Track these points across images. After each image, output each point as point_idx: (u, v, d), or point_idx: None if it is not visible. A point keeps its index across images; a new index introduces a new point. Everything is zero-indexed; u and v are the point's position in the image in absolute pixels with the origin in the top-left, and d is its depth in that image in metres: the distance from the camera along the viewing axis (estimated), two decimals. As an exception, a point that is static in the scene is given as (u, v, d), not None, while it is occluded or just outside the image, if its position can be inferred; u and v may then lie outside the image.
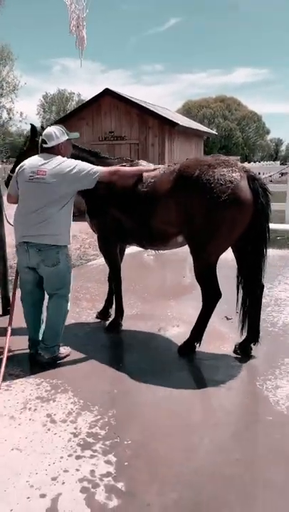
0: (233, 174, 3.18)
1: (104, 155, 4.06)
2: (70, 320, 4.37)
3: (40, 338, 3.56)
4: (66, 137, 3.44)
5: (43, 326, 3.57)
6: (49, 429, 2.66)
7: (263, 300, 4.84)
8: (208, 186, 3.15)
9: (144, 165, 3.89)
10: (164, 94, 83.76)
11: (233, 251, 3.54)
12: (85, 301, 5.03)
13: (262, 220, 3.27)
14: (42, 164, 3.29)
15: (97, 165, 3.58)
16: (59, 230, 3.31)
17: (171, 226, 3.48)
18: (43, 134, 3.41)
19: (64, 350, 3.59)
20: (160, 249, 3.98)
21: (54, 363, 3.45)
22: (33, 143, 3.71)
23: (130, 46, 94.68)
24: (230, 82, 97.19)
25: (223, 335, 4.01)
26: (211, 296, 3.49)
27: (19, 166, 3.45)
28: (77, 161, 3.40)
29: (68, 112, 17.59)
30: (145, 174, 3.59)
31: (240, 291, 3.52)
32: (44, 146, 3.39)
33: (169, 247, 3.82)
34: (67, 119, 15.43)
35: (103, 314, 4.46)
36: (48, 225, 3.26)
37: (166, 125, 13.81)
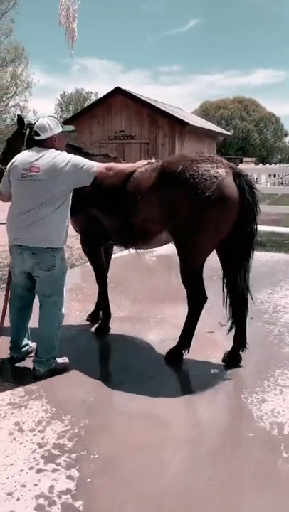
0: (218, 170, 3.01)
1: (87, 151, 3.89)
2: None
3: (22, 344, 3.40)
4: (60, 129, 3.20)
5: (28, 336, 3.43)
6: (15, 439, 2.52)
7: (261, 306, 4.73)
8: (191, 182, 2.98)
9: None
10: (181, 95, 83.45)
11: (218, 253, 3.35)
12: (76, 301, 4.90)
13: (249, 219, 3.09)
14: (35, 160, 3.03)
15: None
16: (55, 231, 3.08)
17: (155, 224, 3.31)
18: (36, 125, 3.15)
19: (61, 360, 3.34)
20: (142, 247, 3.81)
21: (51, 375, 3.22)
22: (19, 135, 3.56)
23: (149, 46, 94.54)
24: (249, 84, 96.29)
25: (214, 342, 3.82)
26: (196, 299, 3.31)
27: (10, 162, 3.22)
28: (71, 154, 3.15)
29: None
30: (127, 171, 3.42)
31: (226, 295, 3.33)
32: (36, 138, 3.12)
33: (152, 245, 3.65)
34: (79, 117, 15.42)
35: (93, 317, 4.31)
36: (42, 226, 3.02)
37: (177, 125, 13.65)
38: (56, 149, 3.15)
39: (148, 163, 3.45)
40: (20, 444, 2.48)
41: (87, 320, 4.32)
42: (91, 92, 55.46)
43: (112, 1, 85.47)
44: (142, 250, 3.92)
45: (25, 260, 3.10)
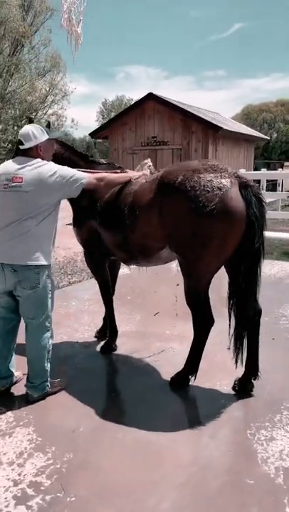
0: (222, 180, 2.71)
1: (94, 159, 3.68)
2: (61, 336, 4.09)
3: (6, 373, 3.12)
4: (46, 137, 2.95)
5: (13, 359, 3.16)
6: (-10, 473, 2.33)
7: (279, 326, 4.33)
8: (192, 194, 2.70)
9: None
10: (226, 100, 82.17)
11: (226, 270, 3.04)
12: (87, 314, 4.71)
13: (256, 233, 2.76)
14: (18, 169, 2.82)
15: (86, 169, 3.22)
16: (38, 246, 2.85)
17: (155, 240, 3.06)
18: (19, 133, 2.94)
19: (57, 383, 3.15)
20: (143, 265, 3.55)
21: (44, 398, 3.03)
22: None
23: (194, 52, 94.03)
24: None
25: (225, 368, 3.46)
26: (202, 322, 3.02)
27: None
28: (58, 165, 2.94)
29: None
30: (121, 182, 3.18)
31: (233, 316, 3.02)
32: (20, 147, 2.92)
33: (154, 262, 3.39)
34: (111, 124, 15.40)
35: (101, 333, 4.10)
36: (25, 241, 2.80)
37: (211, 130, 13.30)
38: (43, 158, 2.93)
39: (144, 174, 3.22)
40: (-5, 479, 2.28)
41: (95, 336, 4.11)
42: (132, 99, 55.92)
43: (160, 10, 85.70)
44: (146, 268, 3.67)
45: (6, 278, 2.87)
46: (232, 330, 3.03)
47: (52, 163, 2.94)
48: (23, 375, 3.14)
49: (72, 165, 3.23)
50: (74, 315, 4.75)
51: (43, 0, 20.28)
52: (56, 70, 21.08)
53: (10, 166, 2.90)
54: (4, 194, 2.83)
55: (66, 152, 3.57)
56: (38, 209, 2.81)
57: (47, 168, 2.85)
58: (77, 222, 3.61)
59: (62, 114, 22.25)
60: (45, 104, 21.08)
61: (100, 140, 16.41)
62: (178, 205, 2.77)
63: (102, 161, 3.83)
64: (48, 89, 21.15)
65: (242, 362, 3.06)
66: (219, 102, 78.45)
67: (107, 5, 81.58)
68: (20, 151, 2.96)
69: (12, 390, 3.14)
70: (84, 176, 2.96)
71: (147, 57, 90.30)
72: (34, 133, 2.91)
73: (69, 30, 3.44)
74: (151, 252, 3.17)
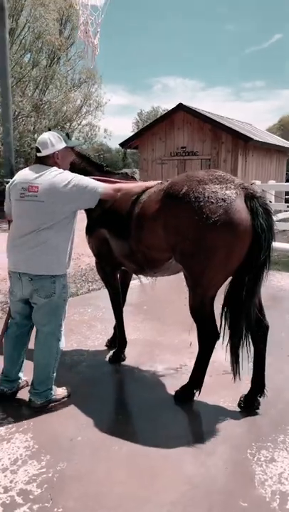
0: (227, 192, 2.65)
1: (108, 169, 3.68)
2: (72, 343, 4.10)
3: (15, 377, 3.15)
4: (64, 144, 2.95)
5: (22, 365, 3.20)
6: (-17, 478, 2.35)
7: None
8: (196, 205, 2.66)
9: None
10: (264, 111, 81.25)
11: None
12: (99, 322, 4.71)
13: (263, 245, 2.68)
14: (34, 178, 2.82)
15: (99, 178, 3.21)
16: (55, 256, 2.86)
17: (160, 251, 3.03)
18: (37, 141, 2.95)
19: (61, 391, 3.13)
20: (151, 275, 3.51)
21: (47, 405, 3.02)
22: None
23: (231, 64, 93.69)
24: None
25: (231, 383, 3.34)
26: (207, 336, 2.95)
27: (11, 181, 3.02)
28: (75, 174, 2.91)
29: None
30: (135, 192, 3.17)
31: (227, 327, 2.91)
32: (38, 155, 2.93)
33: (162, 273, 3.35)
34: (141, 134, 15.52)
35: (111, 343, 4.08)
36: (41, 251, 2.81)
37: (240, 140, 13.17)
38: (59, 166, 2.93)
39: (160, 183, 3.19)
40: (-14, 485, 2.29)
41: (106, 346, 4.10)
42: (166, 110, 56.30)
43: (197, 23, 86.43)
44: (154, 278, 3.63)
45: (23, 286, 2.91)
46: (225, 341, 2.92)
47: (68, 172, 2.93)
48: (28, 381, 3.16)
49: (87, 175, 3.23)
50: (88, 322, 4.77)
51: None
52: (91, 82, 21.48)
53: (27, 174, 2.91)
54: (21, 203, 2.85)
55: (82, 162, 3.59)
56: (55, 219, 2.81)
57: (63, 177, 2.83)
58: (89, 230, 3.62)
59: (96, 124, 22.59)
60: (80, 115, 21.48)
61: (135, 150, 16.57)
62: (182, 217, 2.74)
63: (125, 171, 3.81)
64: (82, 100, 21.58)
65: (240, 376, 2.95)
66: (257, 112, 77.73)
67: (147, 18, 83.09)
68: (37, 159, 2.96)
69: (16, 398, 3.16)
70: (100, 186, 2.94)
71: (184, 68, 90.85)
72: (52, 140, 2.91)
73: (86, 42, 3.50)
74: (158, 263, 3.15)
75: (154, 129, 14.95)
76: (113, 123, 64.44)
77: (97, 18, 3.70)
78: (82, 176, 2.95)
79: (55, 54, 19.01)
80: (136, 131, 56.13)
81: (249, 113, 77.75)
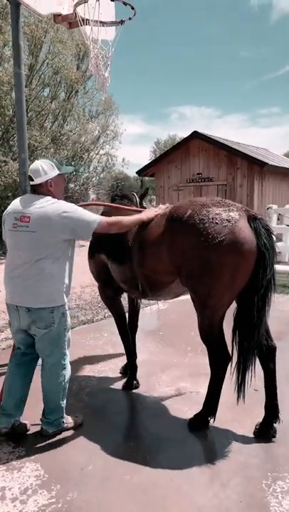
0: (231, 213, 2.70)
1: (121, 201, 3.57)
2: (84, 369, 4.08)
3: (13, 406, 2.98)
4: (56, 172, 2.87)
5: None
6: (-8, 509, 2.32)
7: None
8: (201, 226, 2.69)
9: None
10: (280, 136, 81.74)
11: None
12: (113, 348, 4.67)
13: (268, 264, 2.69)
14: (26, 208, 2.75)
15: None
16: (52, 287, 2.78)
17: (164, 275, 3.04)
18: (29, 169, 2.89)
19: (73, 419, 3.09)
20: (153, 299, 3.50)
21: (59, 433, 2.99)
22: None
23: (246, 91, 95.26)
24: None
25: (247, 409, 3.26)
26: (218, 359, 2.91)
27: (6, 210, 2.91)
28: (69, 204, 2.82)
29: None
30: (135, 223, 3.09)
31: (236, 349, 2.87)
32: (31, 183, 2.86)
33: (164, 296, 3.35)
34: (157, 162, 15.76)
35: (125, 370, 4.04)
36: (38, 283, 2.73)
37: (256, 165, 13.24)
38: (53, 194, 2.86)
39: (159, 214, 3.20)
40: (-4, 515, 2.27)
41: (120, 373, 4.06)
42: (183, 137, 57.16)
43: (211, 52, 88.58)
44: (158, 301, 3.64)
45: (21, 318, 2.83)
46: (234, 363, 2.88)
47: (62, 202, 2.84)
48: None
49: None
50: (101, 347, 4.76)
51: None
52: (108, 112, 22.07)
53: (19, 204, 2.85)
54: (14, 234, 2.79)
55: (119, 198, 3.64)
56: (49, 249, 2.73)
57: (55, 207, 2.74)
58: (90, 254, 3.67)
59: (114, 154, 23.03)
60: (97, 145, 21.98)
61: (152, 178, 16.84)
62: (187, 239, 2.77)
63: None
64: (100, 130, 22.13)
65: (244, 397, 2.88)
66: (273, 138, 78.16)
67: (161, 45, 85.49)
68: (31, 188, 2.92)
69: (27, 423, 3.10)
70: (95, 219, 2.82)
71: (200, 97, 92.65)
72: (44, 168, 2.84)
73: (96, 75, 3.64)
74: (161, 285, 3.15)
75: (170, 157, 15.20)
76: (131, 152, 65.73)
77: (108, 51, 3.86)
78: (77, 207, 2.86)
79: (73, 87, 19.67)
80: (153, 159, 57.17)
81: (266, 139, 78.31)
